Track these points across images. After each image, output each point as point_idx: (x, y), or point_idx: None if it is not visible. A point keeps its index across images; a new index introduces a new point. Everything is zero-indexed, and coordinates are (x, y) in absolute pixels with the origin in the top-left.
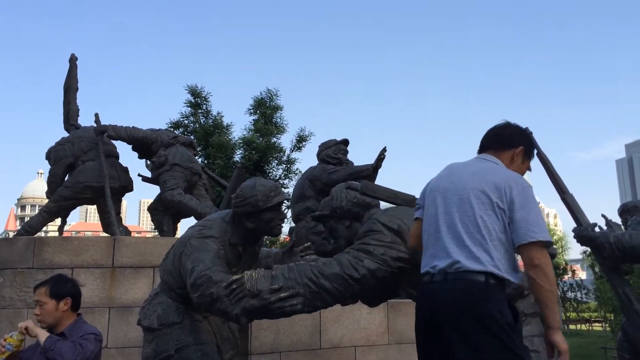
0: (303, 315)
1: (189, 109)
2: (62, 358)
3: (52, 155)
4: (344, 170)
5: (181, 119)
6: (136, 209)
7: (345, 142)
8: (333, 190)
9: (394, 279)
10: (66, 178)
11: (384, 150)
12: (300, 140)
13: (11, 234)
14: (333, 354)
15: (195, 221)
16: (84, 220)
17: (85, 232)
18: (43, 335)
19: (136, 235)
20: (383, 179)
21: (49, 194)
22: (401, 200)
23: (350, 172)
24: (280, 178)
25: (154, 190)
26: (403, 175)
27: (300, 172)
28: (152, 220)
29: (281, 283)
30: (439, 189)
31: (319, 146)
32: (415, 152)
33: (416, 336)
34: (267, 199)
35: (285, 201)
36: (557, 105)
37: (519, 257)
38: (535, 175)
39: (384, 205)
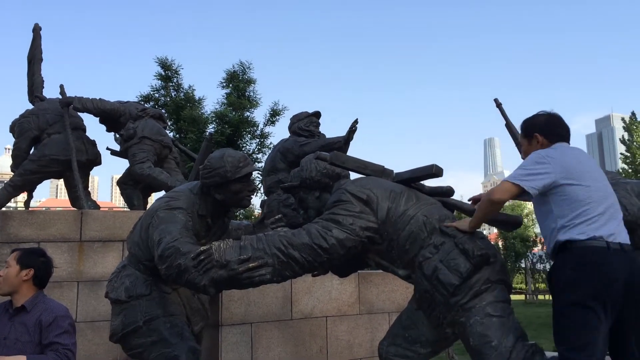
0: (274, 287)
1: (160, 82)
2: None
3: (17, 128)
4: (315, 143)
5: (151, 92)
6: (108, 185)
7: (317, 115)
8: (302, 161)
9: (362, 249)
10: (31, 151)
11: (356, 122)
12: (274, 115)
13: None
14: (304, 325)
15: None
16: (55, 196)
17: (56, 209)
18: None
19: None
20: (355, 151)
21: (14, 167)
22: (370, 170)
23: (321, 144)
24: (253, 152)
25: (126, 166)
26: (376, 148)
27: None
28: (122, 194)
29: (250, 253)
30: (591, 169)
31: (291, 118)
32: (389, 124)
33: (598, 297)
34: (236, 170)
35: (256, 173)
36: (528, 82)
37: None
38: (512, 146)
39: (353, 175)
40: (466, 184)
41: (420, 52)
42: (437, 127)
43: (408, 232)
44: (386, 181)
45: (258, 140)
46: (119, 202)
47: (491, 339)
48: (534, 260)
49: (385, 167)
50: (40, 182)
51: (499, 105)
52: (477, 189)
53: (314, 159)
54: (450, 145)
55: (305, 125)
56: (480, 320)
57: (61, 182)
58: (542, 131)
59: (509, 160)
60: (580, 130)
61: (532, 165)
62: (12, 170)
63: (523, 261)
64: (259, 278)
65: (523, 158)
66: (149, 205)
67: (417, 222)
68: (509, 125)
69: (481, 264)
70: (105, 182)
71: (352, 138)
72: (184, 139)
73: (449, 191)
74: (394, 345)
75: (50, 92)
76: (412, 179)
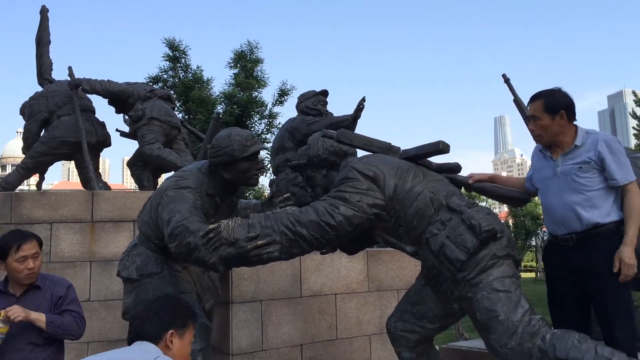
0: (283, 264)
1: (168, 63)
2: (73, 335)
3: (27, 110)
4: (323, 121)
5: (160, 74)
6: (119, 167)
7: (325, 93)
8: (310, 139)
9: (370, 226)
10: (42, 133)
11: (363, 100)
12: (282, 95)
13: None
14: (314, 302)
15: None
16: (67, 179)
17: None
18: (40, 316)
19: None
20: (362, 129)
21: (24, 150)
22: (377, 147)
23: (329, 123)
24: (262, 132)
25: (136, 147)
26: (384, 125)
27: None
28: (132, 175)
29: (258, 231)
30: None
31: (298, 97)
32: (397, 101)
33: None
34: (243, 149)
35: (265, 152)
36: (539, 58)
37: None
38: (522, 123)
39: (360, 153)
40: (477, 163)
41: (428, 28)
42: (446, 106)
43: (415, 208)
44: (393, 158)
45: (267, 120)
46: (130, 184)
47: (498, 313)
48: (545, 237)
49: (392, 144)
50: (51, 163)
51: (507, 80)
52: (488, 167)
53: (321, 137)
54: (461, 123)
55: (313, 104)
56: (487, 295)
57: (73, 164)
58: (567, 110)
59: (519, 137)
60: (593, 106)
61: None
62: (23, 153)
63: (534, 239)
64: (267, 255)
65: (538, 133)
66: (158, 186)
67: (424, 199)
68: (517, 101)
69: (488, 239)
70: (116, 164)
71: (359, 116)
72: (193, 120)
73: (457, 167)
74: (402, 321)
75: (59, 74)
76: (419, 156)
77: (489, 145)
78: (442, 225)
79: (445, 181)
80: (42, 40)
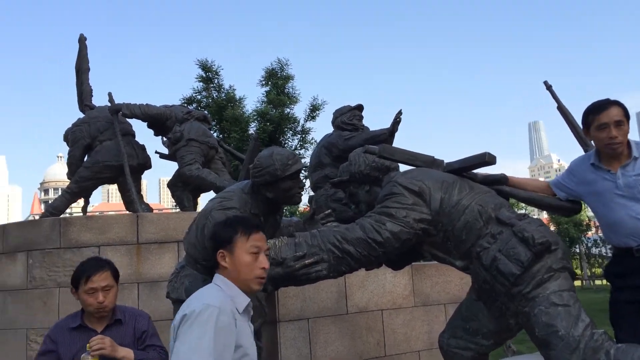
0: (328, 282)
1: (201, 83)
2: None
3: (70, 137)
4: (359, 136)
5: (194, 94)
6: (156, 187)
7: (360, 108)
8: (351, 155)
9: (417, 241)
10: (85, 159)
11: (400, 113)
12: (314, 110)
13: (36, 217)
14: (360, 319)
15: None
16: (107, 200)
17: (109, 213)
18: (129, 353)
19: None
20: (398, 143)
21: (69, 175)
22: (420, 161)
23: (366, 138)
24: (296, 148)
25: (173, 168)
26: (420, 138)
27: (315, 141)
28: (173, 196)
29: (305, 250)
30: None
31: (334, 113)
32: (432, 114)
33: None
34: (285, 168)
35: (303, 170)
36: (575, 60)
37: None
38: (557, 128)
39: (403, 167)
40: (511, 171)
41: (455, 39)
42: (477, 116)
43: (463, 222)
44: (437, 172)
45: (300, 136)
46: (167, 203)
47: (558, 328)
48: (589, 244)
49: (435, 157)
50: (95, 188)
51: (549, 87)
52: (524, 175)
53: (363, 153)
54: (493, 132)
55: (349, 118)
56: (545, 309)
57: (112, 186)
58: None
59: (555, 143)
60: (632, 109)
61: None
62: (68, 178)
63: (577, 246)
64: (315, 274)
65: (621, 140)
66: (198, 206)
67: (472, 212)
68: (562, 108)
69: (542, 252)
70: (153, 185)
71: (396, 129)
72: (227, 139)
73: (503, 179)
74: (454, 338)
75: (99, 100)
76: (464, 168)
77: (523, 152)
78: (492, 238)
79: (492, 193)
80: (82, 68)
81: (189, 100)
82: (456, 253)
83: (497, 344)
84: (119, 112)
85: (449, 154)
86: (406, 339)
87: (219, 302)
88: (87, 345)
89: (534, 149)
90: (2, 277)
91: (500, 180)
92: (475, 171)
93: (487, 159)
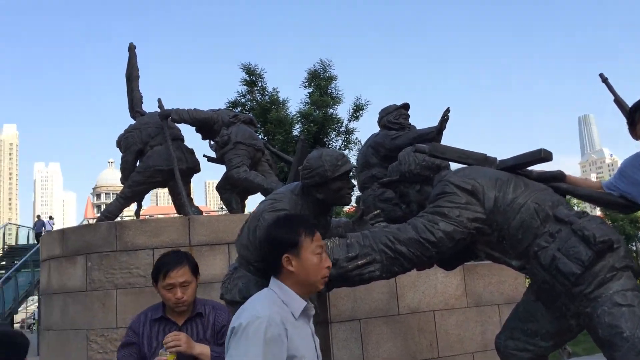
0: (379, 282)
1: (245, 87)
2: None
3: (122, 142)
4: (407, 135)
5: (238, 98)
6: (202, 189)
7: (406, 106)
8: (400, 155)
9: (471, 241)
10: (137, 164)
11: (448, 110)
12: (357, 110)
13: (90, 221)
14: (412, 319)
15: (262, 197)
16: (155, 204)
17: (158, 215)
18: (205, 349)
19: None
20: (448, 141)
21: (122, 180)
22: (472, 159)
23: (413, 136)
24: (340, 149)
25: (219, 171)
26: (470, 135)
27: (359, 141)
28: (221, 198)
29: (357, 251)
30: None
31: (380, 112)
32: (481, 110)
33: None
34: (335, 168)
35: (352, 170)
36: (620, 51)
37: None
38: (609, 121)
39: (454, 166)
40: (563, 166)
41: (503, 33)
42: (525, 110)
43: (519, 221)
44: (490, 169)
45: (344, 136)
46: (213, 205)
47: (622, 329)
48: None
49: (487, 154)
50: (147, 192)
51: (604, 80)
52: (575, 170)
53: (412, 152)
54: (542, 127)
55: (395, 118)
56: (608, 310)
57: (160, 190)
58: None
59: (606, 137)
60: None
61: None
62: (121, 183)
63: (634, 243)
64: (368, 275)
65: None
66: (246, 208)
67: (528, 210)
68: (619, 101)
69: (604, 250)
70: (199, 187)
71: (444, 127)
72: (272, 141)
73: (560, 175)
74: (512, 339)
75: (149, 106)
76: (518, 165)
77: (574, 147)
78: (550, 237)
79: (549, 190)
80: (132, 76)
81: (234, 104)
82: (512, 252)
83: (556, 345)
84: (168, 118)
85: (497, 152)
86: (459, 340)
87: (269, 312)
88: (163, 341)
89: (585, 144)
90: (62, 279)
91: (557, 177)
92: (529, 168)
93: (543, 156)
